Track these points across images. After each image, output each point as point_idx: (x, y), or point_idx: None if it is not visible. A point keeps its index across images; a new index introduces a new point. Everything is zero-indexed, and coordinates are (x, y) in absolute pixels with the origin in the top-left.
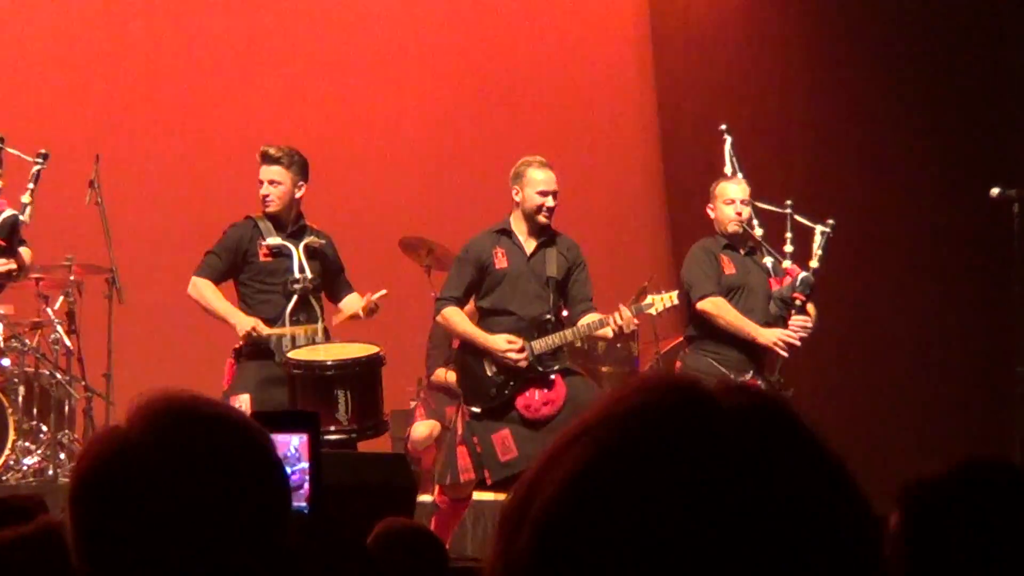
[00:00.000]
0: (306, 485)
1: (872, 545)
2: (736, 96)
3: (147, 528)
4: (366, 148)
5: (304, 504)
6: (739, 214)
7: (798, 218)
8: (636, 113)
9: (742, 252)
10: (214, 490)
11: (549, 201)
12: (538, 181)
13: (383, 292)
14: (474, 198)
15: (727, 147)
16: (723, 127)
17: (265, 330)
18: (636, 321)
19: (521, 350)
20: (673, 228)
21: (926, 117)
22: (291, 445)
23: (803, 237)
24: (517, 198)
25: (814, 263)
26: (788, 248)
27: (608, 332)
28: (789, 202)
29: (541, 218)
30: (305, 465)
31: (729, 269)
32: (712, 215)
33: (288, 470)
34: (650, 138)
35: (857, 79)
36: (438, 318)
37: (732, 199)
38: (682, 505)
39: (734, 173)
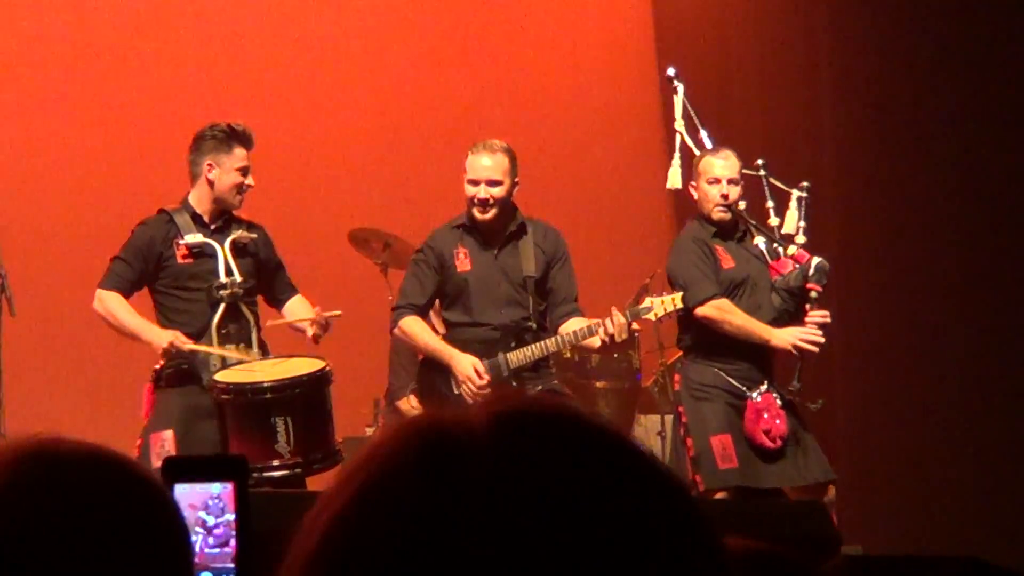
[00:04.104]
0: (232, 541)
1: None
2: (744, 78)
3: None
4: (307, 123)
5: (231, 566)
6: (725, 196)
7: (774, 181)
8: (634, 87)
9: (734, 239)
10: (94, 550)
11: (480, 191)
12: (471, 169)
13: (337, 313)
14: (439, 182)
15: (679, 98)
16: (671, 73)
17: (187, 344)
18: (635, 327)
19: (486, 385)
20: (678, 218)
21: (970, 110)
22: (211, 493)
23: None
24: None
25: (800, 238)
26: (773, 220)
27: (596, 342)
28: (761, 161)
29: (475, 212)
30: (231, 517)
31: (727, 262)
32: (695, 195)
33: (212, 521)
34: (651, 114)
35: (888, 72)
36: (395, 331)
37: (717, 178)
38: (437, 541)
39: (694, 132)
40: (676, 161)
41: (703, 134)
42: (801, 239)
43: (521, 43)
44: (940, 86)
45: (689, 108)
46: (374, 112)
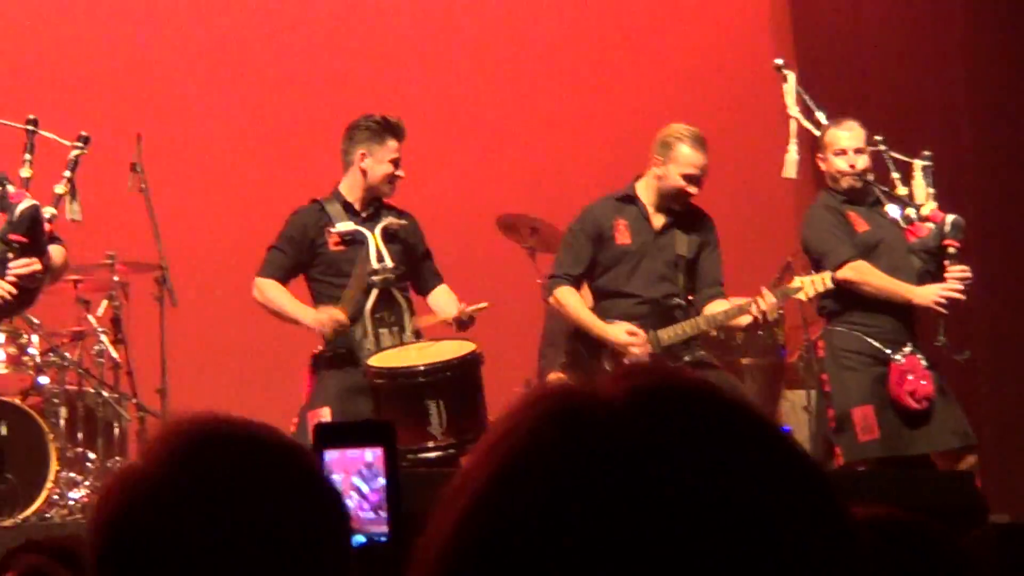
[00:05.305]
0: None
1: (827, 528)
2: (881, 50)
3: None
4: (457, 112)
5: (385, 530)
6: (852, 166)
7: (894, 154)
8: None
9: (865, 206)
10: (257, 532)
11: (692, 188)
12: (686, 161)
13: (483, 305)
14: (585, 168)
15: (790, 86)
16: (779, 62)
17: (346, 322)
18: (780, 310)
19: (644, 343)
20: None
21: None
22: (364, 460)
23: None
24: (657, 170)
25: (932, 204)
26: (901, 190)
27: (745, 320)
28: (879, 138)
29: (676, 205)
30: (384, 482)
31: (861, 226)
32: (823, 167)
33: (365, 487)
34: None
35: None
36: (550, 299)
37: (843, 149)
38: (570, 520)
39: (809, 115)
40: (792, 149)
41: (819, 115)
42: (932, 204)
43: (660, 28)
44: None
45: (802, 93)
46: (521, 100)
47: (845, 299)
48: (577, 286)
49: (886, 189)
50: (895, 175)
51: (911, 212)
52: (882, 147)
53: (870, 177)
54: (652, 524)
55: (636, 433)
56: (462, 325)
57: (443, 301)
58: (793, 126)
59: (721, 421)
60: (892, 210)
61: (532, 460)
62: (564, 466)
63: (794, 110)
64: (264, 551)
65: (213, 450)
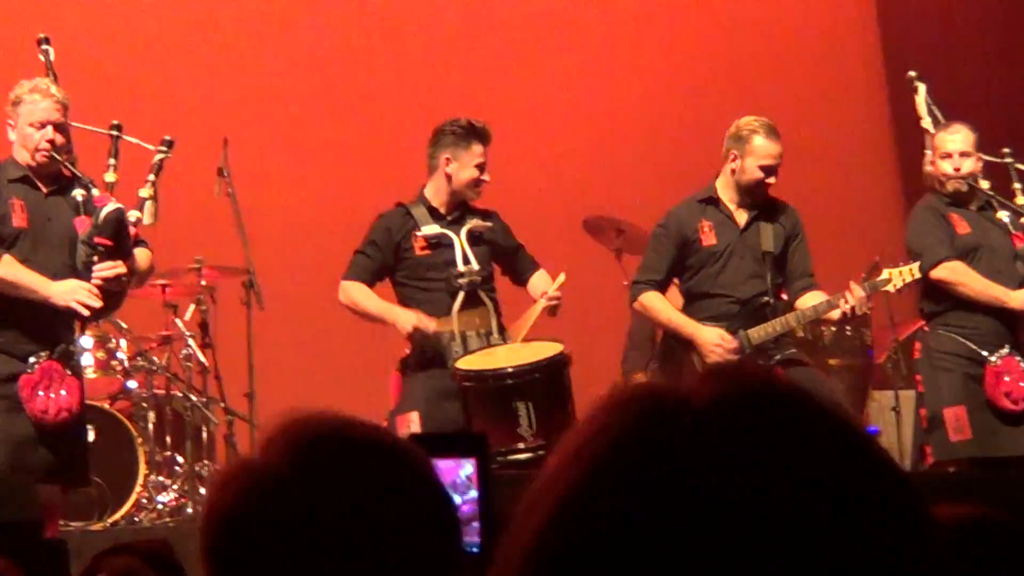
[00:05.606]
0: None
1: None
2: (972, 52)
3: None
4: (543, 113)
5: (476, 540)
6: (957, 169)
7: (1020, 166)
8: (861, 62)
9: (973, 209)
10: (372, 531)
11: (771, 178)
12: (762, 152)
13: (561, 279)
14: (670, 169)
15: (921, 97)
16: (912, 74)
17: (431, 324)
18: (870, 304)
19: (734, 351)
20: (907, 192)
21: None
22: (460, 473)
23: None
24: (733, 164)
25: None
26: (1021, 200)
27: (835, 315)
28: (1007, 150)
29: (756, 198)
30: (476, 494)
31: (962, 228)
32: (930, 170)
33: (458, 500)
34: (877, 91)
35: None
36: (635, 304)
37: (949, 152)
38: (659, 523)
39: (937, 124)
40: (929, 159)
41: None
42: None
43: (747, 31)
44: None
45: (932, 105)
46: (608, 101)
47: (944, 301)
48: (662, 290)
49: (992, 193)
50: (1017, 185)
51: (1011, 219)
52: (1009, 159)
53: (983, 183)
54: (736, 528)
55: (722, 437)
56: (553, 310)
57: (539, 283)
58: (927, 139)
59: (806, 426)
60: (1005, 216)
61: (618, 463)
62: (650, 470)
63: (926, 121)
64: (375, 551)
65: (331, 447)
